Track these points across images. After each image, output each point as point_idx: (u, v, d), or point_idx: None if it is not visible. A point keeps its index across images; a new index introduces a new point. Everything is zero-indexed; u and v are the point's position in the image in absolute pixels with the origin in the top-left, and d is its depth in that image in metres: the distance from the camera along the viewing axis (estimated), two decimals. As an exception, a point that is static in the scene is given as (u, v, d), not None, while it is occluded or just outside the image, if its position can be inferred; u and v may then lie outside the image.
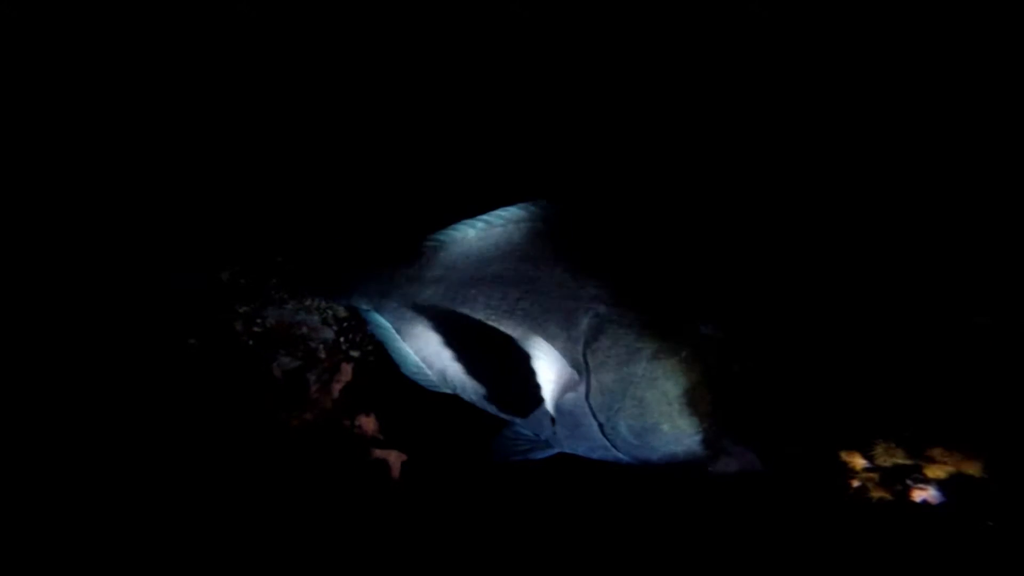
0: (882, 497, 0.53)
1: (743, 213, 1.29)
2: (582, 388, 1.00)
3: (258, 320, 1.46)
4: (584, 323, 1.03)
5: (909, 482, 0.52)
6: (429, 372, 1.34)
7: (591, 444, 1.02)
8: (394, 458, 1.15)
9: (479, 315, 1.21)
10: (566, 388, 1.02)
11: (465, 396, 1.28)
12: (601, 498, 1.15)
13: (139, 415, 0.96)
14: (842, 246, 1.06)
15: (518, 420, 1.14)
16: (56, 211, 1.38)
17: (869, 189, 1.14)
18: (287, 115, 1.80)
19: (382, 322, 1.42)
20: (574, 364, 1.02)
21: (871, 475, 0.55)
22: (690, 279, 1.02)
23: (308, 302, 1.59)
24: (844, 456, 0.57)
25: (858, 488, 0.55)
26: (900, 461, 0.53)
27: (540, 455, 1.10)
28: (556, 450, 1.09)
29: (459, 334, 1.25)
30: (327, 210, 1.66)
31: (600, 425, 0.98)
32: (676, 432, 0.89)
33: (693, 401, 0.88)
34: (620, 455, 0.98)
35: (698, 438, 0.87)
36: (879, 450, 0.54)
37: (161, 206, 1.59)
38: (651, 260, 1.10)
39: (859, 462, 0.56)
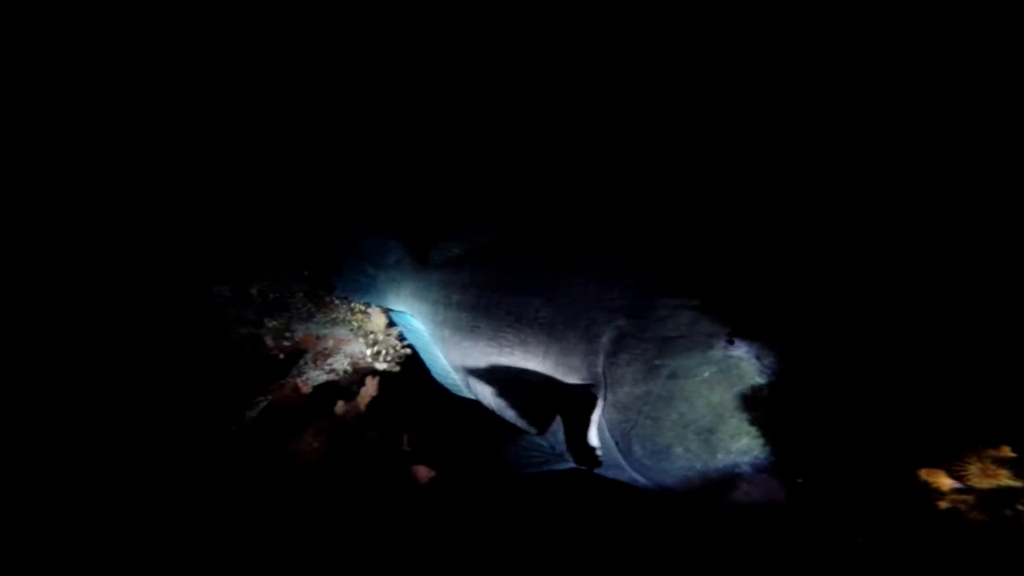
0: (982, 521, 0.46)
1: (774, 220, 1.22)
2: (599, 403, 0.95)
3: (287, 334, 1.47)
4: (604, 336, 0.98)
5: (1021, 507, 0.45)
6: (456, 377, 1.33)
7: (605, 461, 0.96)
8: (423, 473, 1.12)
9: (502, 322, 1.20)
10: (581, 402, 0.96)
11: (486, 403, 1.26)
12: (618, 519, 1.08)
13: (172, 430, 0.96)
14: (889, 243, 0.98)
15: (535, 431, 1.10)
16: (82, 221, 1.43)
17: (910, 187, 1.07)
18: (313, 127, 1.83)
19: (415, 326, 1.44)
20: (592, 378, 0.97)
21: (963, 497, 0.48)
22: (721, 292, 0.95)
23: (335, 315, 1.60)
24: (925, 475, 0.50)
25: (948, 511, 0.48)
26: (1007, 483, 0.46)
27: (555, 468, 1.05)
28: (572, 464, 1.04)
29: (479, 344, 1.24)
30: (361, 217, 1.69)
31: (615, 442, 0.93)
32: (690, 456, 0.82)
33: (711, 425, 0.81)
34: (634, 475, 0.92)
35: (713, 464, 0.80)
36: (973, 470, 0.47)
37: (192, 221, 1.63)
38: (679, 272, 1.04)
39: (946, 482, 0.49)
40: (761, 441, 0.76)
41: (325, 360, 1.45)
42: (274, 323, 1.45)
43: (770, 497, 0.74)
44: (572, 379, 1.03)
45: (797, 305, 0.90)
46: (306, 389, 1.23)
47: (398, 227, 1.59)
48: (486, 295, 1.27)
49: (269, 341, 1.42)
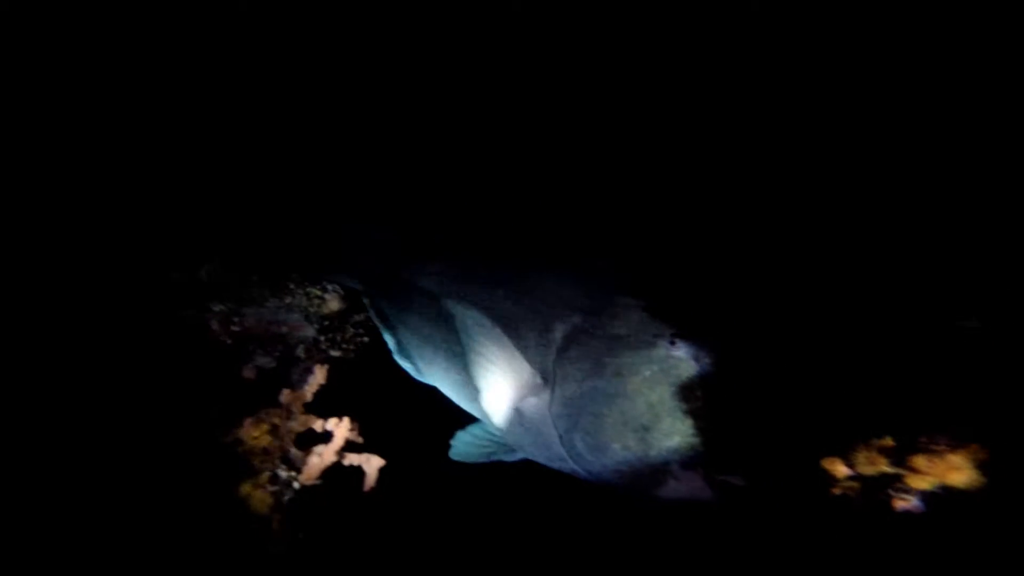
0: (864, 506, 0.51)
1: (724, 221, 1.28)
2: (546, 396, 0.98)
3: (235, 319, 1.44)
4: (558, 331, 1.01)
5: (891, 492, 0.49)
6: (417, 363, 1.36)
7: (550, 454, 1.01)
8: (372, 463, 1.12)
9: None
10: (531, 395, 1.00)
11: (443, 389, 1.29)
12: (559, 509, 1.13)
13: (101, 416, 0.94)
14: (821, 250, 1.04)
15: (486, 420, 1.14)
16: (19, 203, 1.36)
17: (843, 191, 1.13)
18: (284, 108, 1.78)
19: (381, 307, 1.46)
20: (543, 371, 1.01)
21: (853, 484, 0.53)
22: (671, 292, 0.99)
23: (289, 300, 1.57)
24: (826, 464, 0.54)
25: (840, 497, 0.53)
26: (884, 470, 0.51)
27: (503, 458, 1.09)
28: (520, 455, 1.08)
29: (440, 329, 1.27)
30: (335, 197, 1.68)
31: (559, 436, 0.96)
32: (627, 453, 0.87)
33: (648, 423, 0.85)
34: (575, 467, 0.96)
35: (647, 461, 0.85)
36: (861, 458, 0.52)
37: (139, 200, 1.57)
38: (637, 272, 1.08)
39: (842, 470, 0.54)
40: (691, 440, 0.81)
41: (276, 346, 1.43)
42: (221, 307, 1.41)
43: (695, 495, 0.79)
44: (526, 371, 1.05)
45: (736, 309, 0.94)
46: (251, 376, 1.21)
47: (374, 210, 1.59)
48: (452, 285, 1.30)
49: (215, 326, 1.39)
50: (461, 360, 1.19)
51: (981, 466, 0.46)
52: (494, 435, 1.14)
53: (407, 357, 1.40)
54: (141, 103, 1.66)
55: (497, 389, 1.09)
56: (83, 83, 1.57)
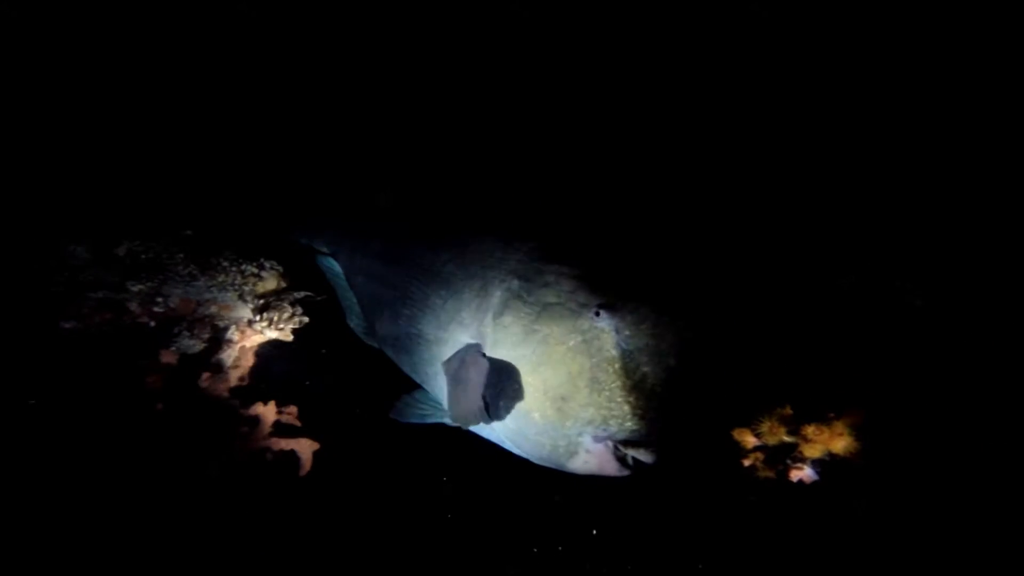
0: (768, 477, 0.52)
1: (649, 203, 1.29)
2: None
3: (159, 299, 1.36)
4: (496, 295, 1.00)
5: (789, 461, 0.51)
6: (367, 322, 1.36)
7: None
8: (304, 447, 1.09)
9: (410, 272, 1.23)
10: (467, 360, 0.99)
11: (388, 353, 1.29)
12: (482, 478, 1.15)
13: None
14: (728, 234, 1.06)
15: (427, 385, 1.14)
16: None
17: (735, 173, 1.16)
18: (218, 67, 1.66)
19: (336, 269, 1.47)
20: (480, 334, 1.01)
21: (759, 454, 0.54)
22: (603, 262, 0.99)
23: (222, 278, 1.49)
24: (736, 435, 0.55)
25: (748, 468, 0.54)
26: (784, 439, 0.52)
27: (440, 421, 1.09)
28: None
29: (388, 291, 1.27)
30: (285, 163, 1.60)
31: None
32: (545, 423, 0.88)
33: (566, 393, 0.86)
34: (501, 436, 0.97)
35: (563, 432, 0.86)
36: (765, 428, 0.53)
37: (45, 164, 1.45)
38: (578, 239, 1.08)
39: (750, 440, 0.55)
40: (604, 412, 0.82)
41: (204, 328, 1.36)
42: (140, 287, 1.33)
43: (602, 468, 0.80)
44: (464, 335, 1.06)
45: (660, 283, 0.95)
46: (172, 360, 1.15)
47: (325, 171, 1.53)
48: (400, 247, 1.30)
49: (135, 307, 1.31)
50: (406, 324, 1.18)
51: (858, 431, 0.47)
52: (432, 399, 1.14)
53: (358, 322, 1.39)
54: (42, 62, 1.52)
55: (437, 353, 1.09)
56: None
